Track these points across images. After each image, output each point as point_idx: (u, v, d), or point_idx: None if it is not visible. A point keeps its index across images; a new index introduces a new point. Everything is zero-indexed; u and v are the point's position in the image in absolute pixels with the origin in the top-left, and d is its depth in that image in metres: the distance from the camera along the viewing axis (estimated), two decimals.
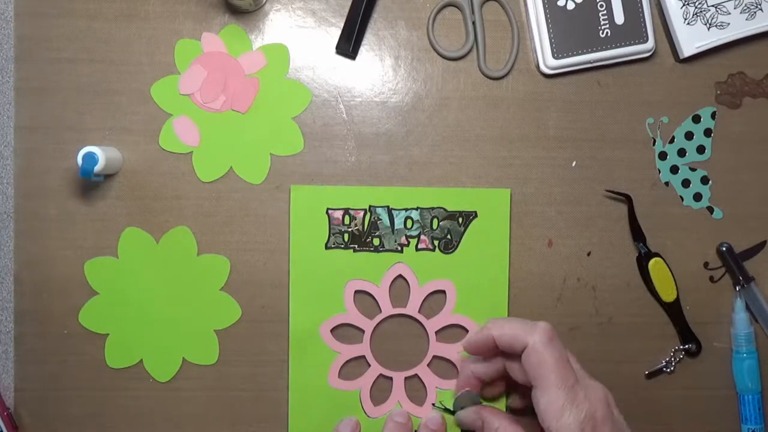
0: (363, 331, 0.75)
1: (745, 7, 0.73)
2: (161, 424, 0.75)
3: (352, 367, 0.75)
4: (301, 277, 0.74)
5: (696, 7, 0.73)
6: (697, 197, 0.76)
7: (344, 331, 0.75)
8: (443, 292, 0.75)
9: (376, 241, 0.74)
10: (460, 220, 0.74)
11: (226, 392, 0.75)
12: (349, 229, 0.74)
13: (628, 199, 0.75)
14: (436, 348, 0.75)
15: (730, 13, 0.73)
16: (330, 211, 0.74)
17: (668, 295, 0.74)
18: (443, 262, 0.74)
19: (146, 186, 0.74)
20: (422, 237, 0.74)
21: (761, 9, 0.73)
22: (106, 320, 0.74)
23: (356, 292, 0.74)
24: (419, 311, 0.75)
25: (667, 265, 0.75)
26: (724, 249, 0.75)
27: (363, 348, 0.75)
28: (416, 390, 0.75)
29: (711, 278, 0.76)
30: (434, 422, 0.72)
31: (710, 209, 0.76)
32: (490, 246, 0.74)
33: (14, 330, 0.74)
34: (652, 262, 0.74)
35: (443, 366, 0.75)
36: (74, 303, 0.74)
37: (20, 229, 0.74)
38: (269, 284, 0.74)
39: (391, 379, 0.75)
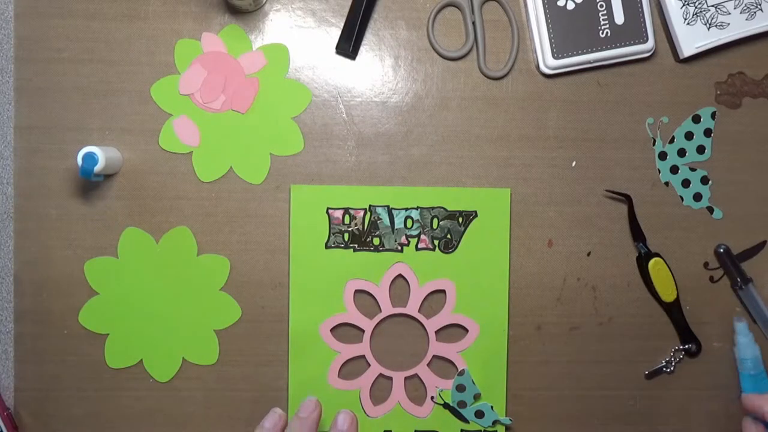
0: (363, 331, 0.75)
1: (745, 7, 0.73)
2: (161, 424, 0.75)
3: (352, 367, 0.75)
4: (301, 277, 0.74)
5: (696, 7, 0.73)
6: (697, 197, 0.76)
7: (344, 331, 0.75)
8: (443, 291, 0.75)
9: (376, 241, 0.74)
10: (460, 219, 0.74)
11: (226, 392, 0.75)
12: (349, 229, 0.74)
13: (627, 199, 0.75)
14: (436, 348, 0.75)
15: (730, 13, 0.73)
16: (330, 211, 0.74)
17: (668, 295, 0.74)
18: (443, 262, 0.74)
19: (146, 186, 0.74)
20: (422, 236, 0.74)
21: (761, 9, 0.73)
22: (106, 320, 0.74)
23: (356, 291, 0.74)
24: (419, 311, 0.75)
25: (667, 265, 0.75)
26: (721, 250, 0.75)
27: (363, 347, 0.75)
28: (416, 390, 0.75)
29: (711, 278, 0.76)
30: (306, 408, 0.69)
31: (710, 209, 0.76)
32: (490, 246, 0.74)
33: (14, 330, 0.74)
34: (652, 262, 0.74)
35: (443, 366, 0.75)
36: (74, 303, 0.74)
37: (20, 229, 0.74)
38: (269, 284, 0.74)
39: (390, 378, 0.75)
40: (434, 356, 0.75)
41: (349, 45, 0.74)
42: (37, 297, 0.74)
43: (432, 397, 0.75)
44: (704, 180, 0.76)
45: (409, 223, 0.74)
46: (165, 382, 0.74)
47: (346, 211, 0.74)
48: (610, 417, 0.76)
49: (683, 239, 0.76)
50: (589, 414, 0.76)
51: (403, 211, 0.74)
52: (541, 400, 0.75)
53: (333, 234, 0.74)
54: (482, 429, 0.75)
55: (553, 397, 0.75)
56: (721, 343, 0.76)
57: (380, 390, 0.75)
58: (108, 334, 0.74)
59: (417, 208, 0.74)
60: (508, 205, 0.74)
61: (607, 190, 0.75)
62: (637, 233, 0.75)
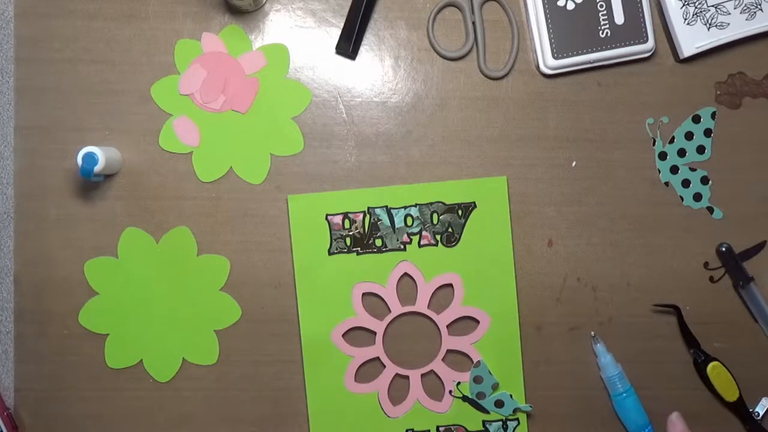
0: (374, 333, 0.75)
1: (745, 7, 0.73)
2: (161, 424, 0.74)
3: (368, 370, 0.75)
4: (307, 285, 0.74)
5: (696, 7, 0.73)
6: (697, 197, 0.76)
7: (356, 335, 0.75)
8: (450, 285, 0.75)
9: (378, 242, 0.74)
10: (460, 212, 0.74)
11: (226, 392, 0.75)
12: (350, 233, 0.74)
13: (676, 310, 0.74)
14: (449, 342, 0.75)
15: (730, 13, 0.73)
16: (329, 217, 0.74)
17: (730, 395, 0.74)
18: (447, 256, 0.74)
19: (146, 186, 0.74)
20: (424, 233, 0.74)
21: (761, 9, 0.73)
22: (106, 320, 0.74)
23: (364, 294, 0.74)
24: (428, 307, 0.75)
25: (726, 368, 0.74)
26: (723, 249, 0.75)
27: (376, 350, 0.75)
28: (434, 386, 0.75)
29: (711, 278, 0.76)
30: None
31: (710, 209, 0.76)
32: (492, 234, 0.74)
33: (14, 330, 0.74)
34: (710, 366, 0.74)
35: (458, 359, 0.75)
36: (74, 303, 0.74)
37: (20, 229, 0.74)
38: (269, 284, 0.74)
39: (407, 377, 0.75)
40: (448, 350, 0.75)
41: (349, 45, 0.74)
42: (37, 297, 0.74)
43: (450, 392, 0.75)
44: (704, 180, 0.76)
45: (409, 221, 0.74)
46: (165, 382, 0.74)
47: (345, 215, 0.74)
48: (610, 417, 0.76)
49: (683, 239, 0.76)
50: (589, 414, 0.76)
51: (402, 209, 0.74)
52: (541, 400, 0.75)
53: (334, 240, 0.74)
54: (503, 418, 0.74)
55: (553, 397, 0.75)
56: (721, 343, 0.76)
57: (398, 390, 0.75)
58: (108, 334, 0.74)
59: (416, 206, 0.74)
60: (506, 193, 0.74)
61: (654, 305, 0.75)
62: (690, 340, 0.74)
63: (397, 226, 0.74)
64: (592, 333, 0.75)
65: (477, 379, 0.74)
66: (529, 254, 0.75)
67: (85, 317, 0.74)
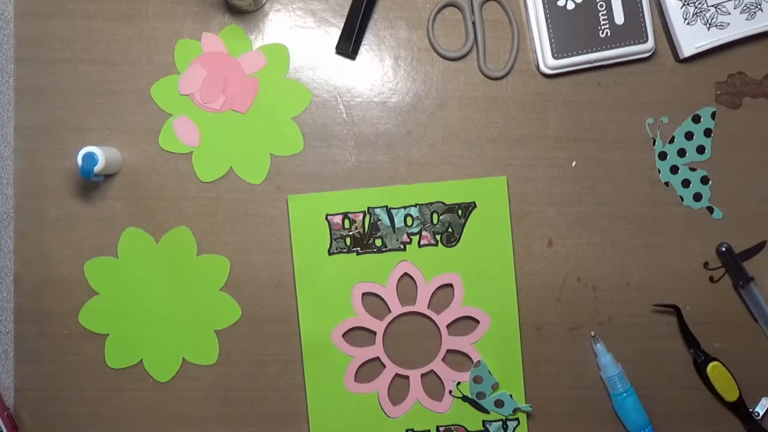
0: (374, 333, 0.75)
1: (745, 7, 0.73)
2: (161, 424, 0.74)
3: (368, 370, 0.75)
4: (307, 285, 0.74)
5: (696, 7, 0.73)
6: (697, 197, 0.76)
7: (356, 335, 0.75)
8: (450, 285, 0.75)
9: (378, 242, 0.74)
10: (460, 212, 0.74)
11: (226, 392, 0.75)
12: (350, 233, 0.74)
13: (676, 310, 0.74)
14: (449, 342, 0.75)
15: (730, 13, 0.73)
16: (329, 217, 0.74)
17: (730, 395, 0.74)
18: (447, 256, 0.74)
19: (146, 186, 0.74)
20: (424, 233, 0.74)
21: (761, 9, 0.73)
22: (106, 320, 0.74)
23: (364, 294, 0.74)
24: (428, 307, 0.75)
25: (726, 368, 0.74)
26: (723, 249, 0.75)
27: (376, 350, 0.75)
28: (434, 386, 0.75)
29: (711, 278, 0.76)
30: None
31: (710, 209, 0.76)
32: (492, 234, 0.74)
33: (14, 330, 0.74)
34: (710, 366, 0.74)
35: (458, 359, 0.75)
36: (74, 303, 0.74)
37: (20, 229, 0.74)
38: (269, 284, 0.74)
39: (407, 377, 0.75)
40: (448, 350, 0.75)
41: (349, 45, 0.74)
42: (37, 297, 0.74)
43: (450, 392, 0.75)
44: (704, 180, 0.76)
45: (409, 221, 0.74)
46: (165, 382, 0.74)
47: (345, 215, 0.74)
48: (610, 417, 0.76)
49: (683, 239, 0.76)
50: (589, 414, 0.76)
51: (402, 209, 0.74)
52: (541, 400, 0.75)
53: (334, 240, 0.74)
54: (503, 418, 0.74)
55: (553, 397, 0.75)
56: (721, 343, 0.76)
57: (398, 390, 0.75)
58: (108, 334, 0.74)
59: (415, 206, 0.74)
60: (506, 192, 0.74)
61: (654, 305, 0.75)
62: (690, 340, 0.74)
63: (397, 226, 0.74)
64: (592, 333, 0.75)
65: (477, 379, 0.74)
66: (529, 254, 0.75)
67: (85, 317, 0.74)
